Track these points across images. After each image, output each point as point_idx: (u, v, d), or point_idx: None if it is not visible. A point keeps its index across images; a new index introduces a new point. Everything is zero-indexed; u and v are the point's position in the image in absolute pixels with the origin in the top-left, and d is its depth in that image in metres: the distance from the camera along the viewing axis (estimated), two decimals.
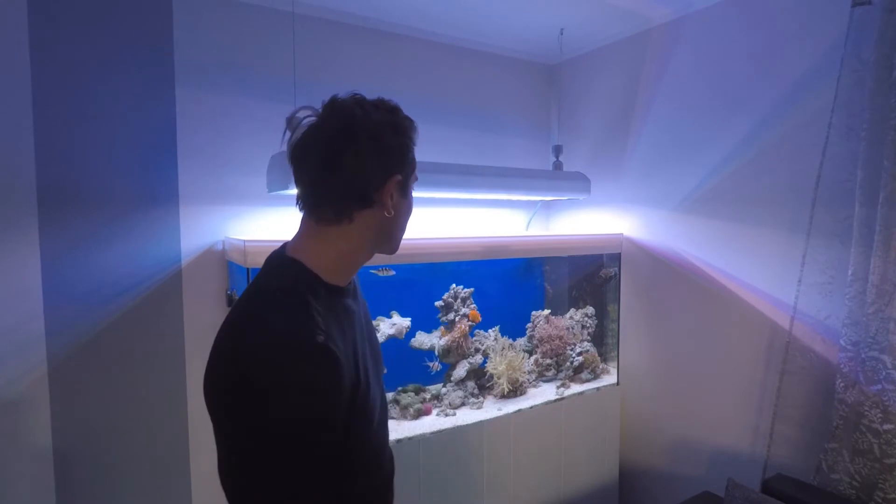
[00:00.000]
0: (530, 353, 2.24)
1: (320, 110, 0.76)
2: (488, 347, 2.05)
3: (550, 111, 2.64)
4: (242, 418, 0.66)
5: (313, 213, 0.78)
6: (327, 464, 0.69)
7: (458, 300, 2.02)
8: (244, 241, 1.55)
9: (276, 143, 1.73)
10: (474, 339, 2.04)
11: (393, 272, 1.83)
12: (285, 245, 0.82)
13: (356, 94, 0.77)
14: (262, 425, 0.64)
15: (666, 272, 2.11)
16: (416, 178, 0.84)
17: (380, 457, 0.86)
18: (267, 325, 0.68)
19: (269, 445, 0.65)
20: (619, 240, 2.24)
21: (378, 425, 0.84)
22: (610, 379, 2.23)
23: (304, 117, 0.76)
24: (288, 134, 0.78)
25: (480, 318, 2.04)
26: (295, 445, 0.66)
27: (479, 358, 2.01)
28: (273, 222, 1.92)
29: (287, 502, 0.67)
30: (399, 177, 0.77)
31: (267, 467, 0.66)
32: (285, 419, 0.64)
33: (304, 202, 0.78)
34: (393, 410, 1.83)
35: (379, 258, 0.89)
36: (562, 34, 2.23)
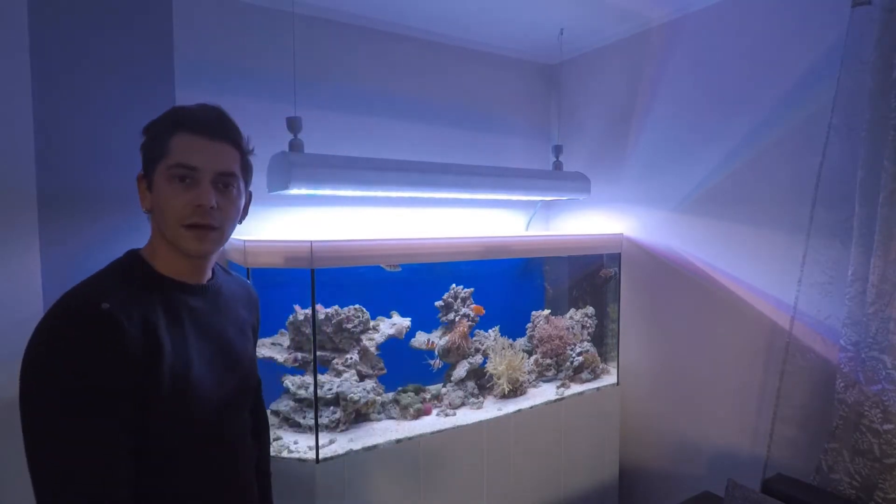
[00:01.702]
0: (530, 353, 2.24)
1: None
2: (488, 347, 2.05)
3: (550, 111, 2.64)
4: (27, 397, 0.71)
5: None
6: (116, 451, 0.71)
7: (458, 300, 2.03)
8: (244, 241, 1.55)
9: (277, 143, 1.74)
10: (474, 339, 2.04)
11: (399, 268, 1.84)
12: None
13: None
14: (48, 398, 0.69)
15: (666, 272, 2.11)
16: (175, 166, 0.80)
17: (211, 462, 0.86)
18: (60, 302, 0.74)
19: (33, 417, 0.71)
20: (619, 240, 2.24)
21: (209, 429, 0.84)
22: (610, 379, 2.23)
23: None
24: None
25: (483, 311, 2.04)
26: (74, 422, 0.68)
27: (479, 358, 2.01)
28: (273, 222, 1.92)
29: (76, 490, 0.70)
30: (141, 173, 0.85)
31: (54, 450, 0.70)
32: (61, 390, 0.68)
33: None
34: (393, 410, 1.83)
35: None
36: (562, 34, 2.24)
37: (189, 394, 0.80)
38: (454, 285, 2.04)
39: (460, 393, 1.93)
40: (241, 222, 0.93)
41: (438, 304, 2.02)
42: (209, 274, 0.92)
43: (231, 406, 0.90)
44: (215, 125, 0.83)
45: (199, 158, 0.80)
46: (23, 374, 0.71)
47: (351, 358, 1.75)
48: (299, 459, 1.54)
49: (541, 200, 2.54)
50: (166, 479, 0.79)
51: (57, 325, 0.71)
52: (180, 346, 0.81)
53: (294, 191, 1.55)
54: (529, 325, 2.28)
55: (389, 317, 1.96)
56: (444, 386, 1.99)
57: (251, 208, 1.96)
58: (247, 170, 0.90)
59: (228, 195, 0.85)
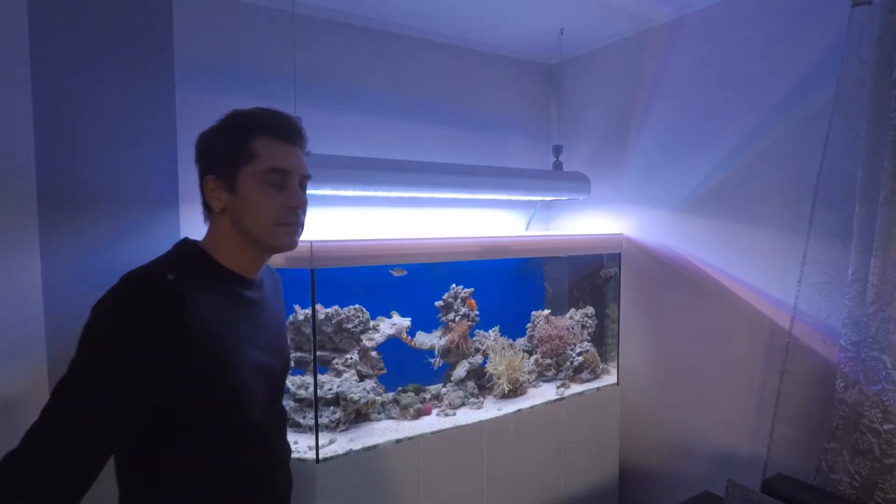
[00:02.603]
0: (530, 353, 2.24)
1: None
2: (488, 347, 2.05)
3: (550, 111, 2.64)
4: (83, 345, 0.77)
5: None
6: (164, 415, 0.76)
7: (458, 300, 2.03)
8: None
9: None
10: (474, 339, 2.04)
11: (405, 272, 1.84)
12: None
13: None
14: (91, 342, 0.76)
15: (666, 272, 2.11)
16: (269, 170, 0.85)
17: (250, 445, 0.88)
18: (125, 277, 0.80)
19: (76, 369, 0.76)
20: (619, 240, 2.24)
21: (253, 414, 0.87)
22: (610, 379, 2.23)
23: None
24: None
25: (475, 304, 2.04)
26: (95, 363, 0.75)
27: (479, 358, 2.01)
28: None
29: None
30: (212, 175, 0.89)
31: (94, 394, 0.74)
32: (122, 343, 0.73)
33: None
34: (393, 410, 1.83)
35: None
36: (562, 34, 2.24)
37: (240, 384, 0.83)
38: (454, 285, 2.04)
39: (460, 393, 1.93)
40: None
41: (438, 304, 2.02)
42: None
43: (273, 398, 0.94)
44: (297, 131, 0.91)
45: (289, 163, 0.86)
46: (84, 328, 0.77)
47: (351, 358, 1.76)
48: (299, 459, 1.53)
49: (541, 200, 2.54)
50: (210, 469, 0.82)
51: (123, 290, 0.76)
52: (235, 335, 0.84)
53: None
54: (529, 325, 2.28)
55: (389, 317, 1.96)
56: (444, 386, 1.99)
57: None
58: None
59: (304, 195, 0.92)
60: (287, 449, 1.02)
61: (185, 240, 0.91)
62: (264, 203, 0.84)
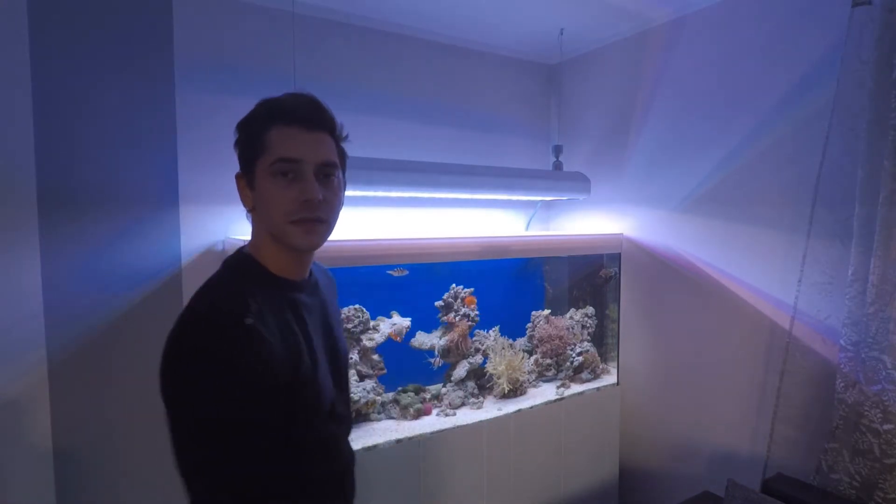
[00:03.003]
0: (530, 353, 2.24)
1: None
2: (488, 347, 2.05)
3: (550, 111, 2.64)
4: (178, 402, 0.71)
5: None
6: (263, 444, 0.72)
7: (459, 300, 2.02)
8: (244, 241, 1.55)
9: None
10: (474, 339, 2.04)
11: (406, 272, 1.84)
12: (246, 245, 0.88)
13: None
14: (199, 404, 0.69)
15: (666, 272, 2.11)
16: (277, 160, 0.78)
17: (330, 448, 0.87)
18: (198, 313, 0.74)
19: (205, 423, 0.69)
20: (619, 240, 2.24)
21: (329, 416, 0.85)
22: (610, 379, 2.23)
23: None
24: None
25: (475, 300, 2.04)
26: (225, 423, 0.69)
27: (479, 358, 2.01)
28: None
29: (227, 481, 0.70)
30: (240, 173, 0.83)
31: (205, 446, 0.69)
32: (212, 397, 0.69)
33: None
34: (393, 410, 1.83)
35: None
36: (562, 34, 2.23)
37: (315, 389, 0.81)
38: (454, 285, 2.04)
39: (460, 393, 1.93)
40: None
41: (438, 304, 2.02)
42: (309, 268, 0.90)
43: (339, 397, 0.91)
44: (311, 114, 0.81)
45: (299, 150, 0.78)
46: (174, 384, 0.72)
47: (351, 358, 1.76)
48: None
49: (541, 200, 2.54)
50: (288, 477, 0.79)
51: (206, 340, 0.71)
52: (307, 344, 0.81)
53: None
54: (529, 325, 2.28)
55: (389, 317, 1.96)
56: (444, 386, 1.99)
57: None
58: (343, 158, 0.87)
59: (331, 186, 0.82)
60: (352, 453, 0.97)
61: (241, 252, 0.84)
62: (273, 198, 0.78)
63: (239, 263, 0.83)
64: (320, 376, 0.82)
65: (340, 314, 1.03)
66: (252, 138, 0.80)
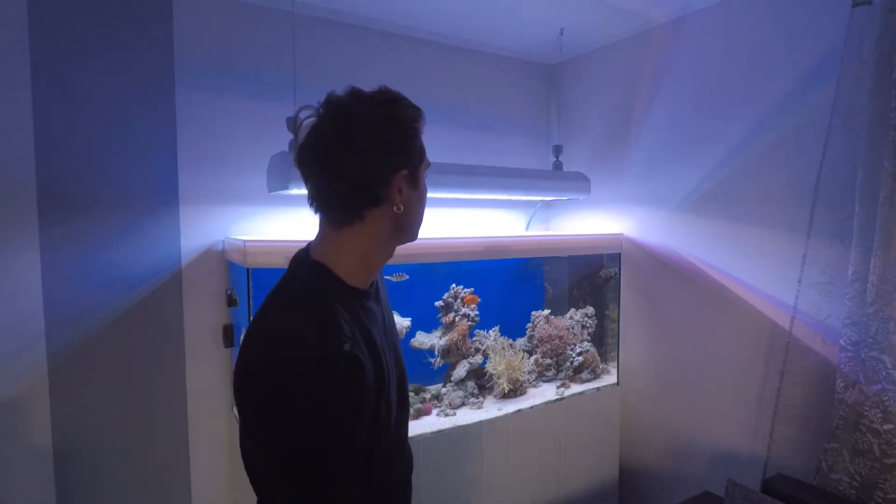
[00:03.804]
0: (530, 353, 2.24)
1: (320, 109, 0.74)
2: (488, 347, 2.05)
3: (550, 111, 2.64)
4: (271, 429, 0.66)
5: (326, 216, 0.77)
6: (349, 468, 0.69)
7: (458, 300, 2.02)
8: (244, 241, 1.55)
9: (277, 142, 1.74)
10: (474, 339, 2.04)
11: (406, 276, 1.84)
12: (309, 246, 0.81)
13: (353, 89, 0.75)
14: (294, 440, 0.65)
15: (666, 272, 2.11)
16: (429, 165, 0.82)
17: (396, 454, 0.86)
18: (294, 338, 0.68)
19: (296, 456, 0.65)
20: (619, 240, 2.24)
21: (396, 423, 0.83)
22: (610, 379, 2.23)
23: (305, 118, 0.74)
24: (294, 137, 0.76)
25: (478, 300, 2.04)
26: (321, 458, 0.66)
27: (479, 358, 2.01)
28: (273, 222, 1.92)
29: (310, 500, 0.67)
30: (405, 171, 0.76)
31: (291, 476, 0.65)
32: (315, 435, 0.65)
33: (315, 205, 0.77)
34: None
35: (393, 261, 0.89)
36: (562, 34, 2.23)
37: (390, 400, 0.79)
38: (454, 285, 2.04)
39: (460, 393, 1.93)
40: None
41: (438, 304, 2.02)
42: None
43: (403, 411, 0.89)
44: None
45: None
46: (265, 412, 0.67)
47: None
48: None
49: (541, 200, 2.54)
50: (368, 482, 0.76)
51: (304, 367, 0.65)
52: (385, 355, 0.79)
53: (294, 191, 1.55)
54: (529, 325, 2.28)
55: None
56: (444, 386, 1.99)
57: (251, 208, 1.97)
58: None
59: None
60: (412, 457, 0.96)
61: (315, 264, 0.77)
62: (423, 200, 0.82)
63: (315, 273, 0.76)
64: (391, 386, 0.80)
65: (393, 317, 0.99)
66: (417, 140, 0.79)
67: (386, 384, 0.77)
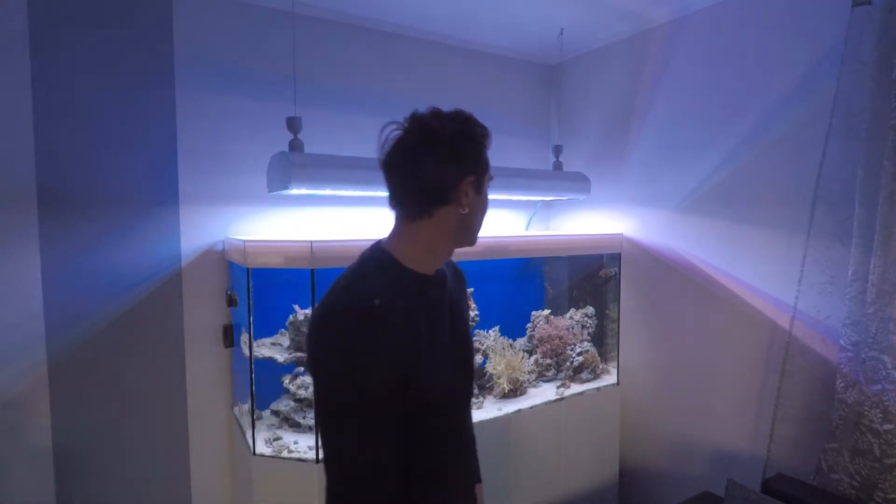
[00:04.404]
0: (530, 353, 2.24)
1: (405, 124, 0.90)
2: (488, 347, 2.05)
3: (550, 111, 2.64)
4: (315, 374, 0.81)
5: (401, 211, 0.91)
6: (382, 426, 0.80)
7: None
8: (244, 241, 1.55)
9: (277, 143, 1.74)
10: (474, 339, 2.04)
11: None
12: (380, 241, 0.96)
13: (434, 109, 0.93)
14: (329, 377, 0.80)
15: (666, 272, 2.11)
16: (491, 178, 0.96)
17: (451, 432, 0.94)
18: (337, 293, 0.85)
19: (332, 394, 0.79)
20: (619, 240, 2.24)
21: (450, 399, 0.93)
22: (610, 379, 2.23)
23: (391, 131, 0.90)
24: (381, 145, 0.91)
25: (472, 304, 2.04)
26: (346, 394, 0.78)
27: (478, 358, 2.01)
28: (273, 222, 1.92)
29: (348, 449, 0.79)
30: (472, 177, 0.90)
31: (329, 423, 0.80)
32: (339, 376, 0.78)
33: (394, 202, 0.92)
34: None
35: None
36: (562, 34, 2.24)
37: (436, 379, 0.89)
38: None
39: None
40: None
41: None
42: None
43: (463, 391, 0.99)
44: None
45: None
46: (313, 368, 0.82)
47: None
48: (299, 459, 1.54)
49: (541, 200, 2.54)
50: (419, 458, 0.87)
51: (338, 322, 0.80)
52: (432, 334, 0.90)
53: (294, 191, 1.55)
54: (529, 325, 2.28)
55: None
56: None
57: (251, 208, 1.97)
58: None
59: None
60: (472, 438, 1.06)
61: (378, 247, 0.94)
62: (482, 206, 0.96)
63: (375, 256, 0.92)
64: (441, 365, 0.90)
65: (468, 308, 1.10)
66: (481, 155, 0.95)
67: (429, 362, 0.87)
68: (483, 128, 0.95)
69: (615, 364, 2.27)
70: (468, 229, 0.94)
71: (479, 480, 1.10)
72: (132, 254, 1.71)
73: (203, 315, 1.82)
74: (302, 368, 1.74)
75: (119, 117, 1.68)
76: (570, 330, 2.24)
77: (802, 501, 1.50)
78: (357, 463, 0.78)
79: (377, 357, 0.79)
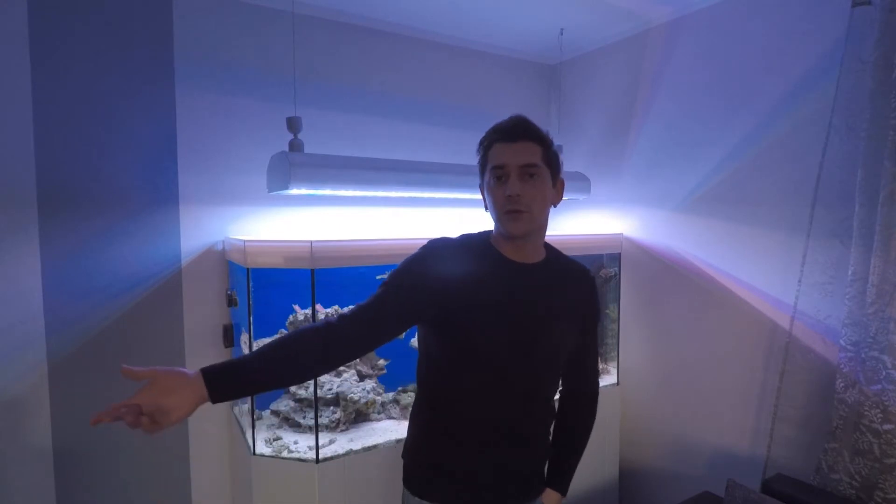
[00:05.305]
0: None
1: None
2: None
3: (550, 111, 2.64)
4: None
5: None
6: (390, 307, 1.00)
7: None
8: (244, 241, 1.55)
9: (277, 143, 1.74)
10: None
11: None
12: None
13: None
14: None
15: (666, 272, 2.11)
16: (495, 175, 1.03)
17: (492, 393, 1.04)
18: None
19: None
20: (619, 240, 2.24)
21: (490, 362, 1.02)
22: (610, 379, 2.23)
23: None
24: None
25: None
26: (389, 277, 1.04)
27: None
28: (273, 222, 1.92)
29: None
30: (483, 178, 1.08)
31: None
32: (397, 268, 1.05)
33: None
34: (393, 410, 1.83)
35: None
36: (562, 34, 2.24)
37: (483, 341, 1.01)
38: None
39: None
40: (555, 205, 1.11)
41: None
42: (537, 256, 1.10)
43: (517, 363, 1.04)
44: (515, 129, 1.03)
45: (504, 158, 1.01)
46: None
47: None
48: (299, 459, 1.54)
49: None
50: (466, 403, 1.04)
51: (425, 245, 1.07)
52: (497, 300, 1.02)
53: (294, 191, 1.55)
54: None
55: None
56: None
57: (251, 208, 1.97)
58: (551, 160, 1.07)
59: (533, 183, 1.02)
60: (551, 416, 1.19)
61: (485, 231, 1.13)
62: (493, 196, 1.03)
63: (478, 234, 1.11)
64: (489, 325, 1.01)
65: (581, 308, 1.14)
66: (483, 155, 1.07)
67: (474, 305, 1.00)
68: (488, 133, 1.07)
69: (615, 364, 2.27)
70: (495, 221, 1.06)
71: (558, 490, 1.34)
72: (132, 254, 1.71)
73: (203, 315, 1.82)
74: None
75: (119, 117, 1.68)
76: None
77: (802, 501, 1.50)
78: (358, 306, 0.99)
79: (420, 276, 1.00)
